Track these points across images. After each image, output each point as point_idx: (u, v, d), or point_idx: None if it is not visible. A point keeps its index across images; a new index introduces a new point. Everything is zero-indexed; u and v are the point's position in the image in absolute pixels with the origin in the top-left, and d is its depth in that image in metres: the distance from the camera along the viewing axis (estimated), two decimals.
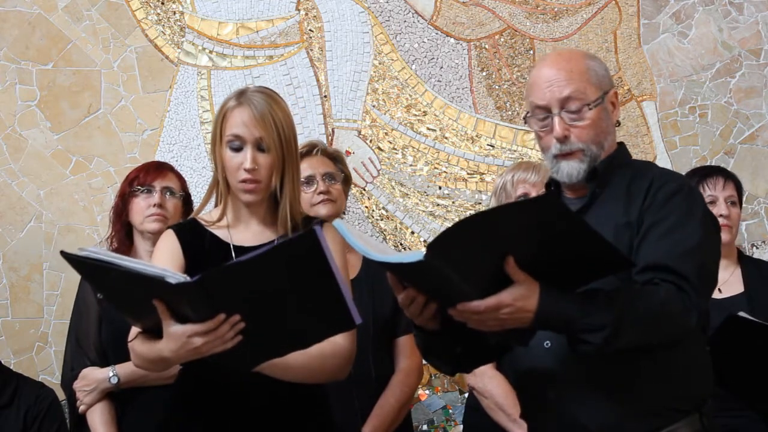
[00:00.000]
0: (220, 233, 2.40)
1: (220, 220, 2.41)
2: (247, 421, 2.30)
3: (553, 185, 2.29)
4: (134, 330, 2.24)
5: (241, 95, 2.38)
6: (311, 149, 3.14)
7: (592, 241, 1.92)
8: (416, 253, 1.88)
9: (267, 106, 2.35)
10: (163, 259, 2.33)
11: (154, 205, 3.02)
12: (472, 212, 3.99)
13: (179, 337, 2.07)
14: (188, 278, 2.01)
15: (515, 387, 2.31)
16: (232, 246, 2.36)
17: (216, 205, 2.44)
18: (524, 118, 2.28)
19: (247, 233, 2.39)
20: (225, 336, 2.06)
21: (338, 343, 2.26)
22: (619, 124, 2.26)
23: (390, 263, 1.95)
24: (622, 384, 2.07)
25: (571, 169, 2.20)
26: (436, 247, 1.85)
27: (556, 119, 2.19)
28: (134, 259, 2.16)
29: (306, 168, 3.08)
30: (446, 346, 2.18)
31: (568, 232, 1.90)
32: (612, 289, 2.01)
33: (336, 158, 3.19)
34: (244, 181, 2.34)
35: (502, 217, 1.89)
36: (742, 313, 2.71)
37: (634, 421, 2.07)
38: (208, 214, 2.44)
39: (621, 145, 2.29)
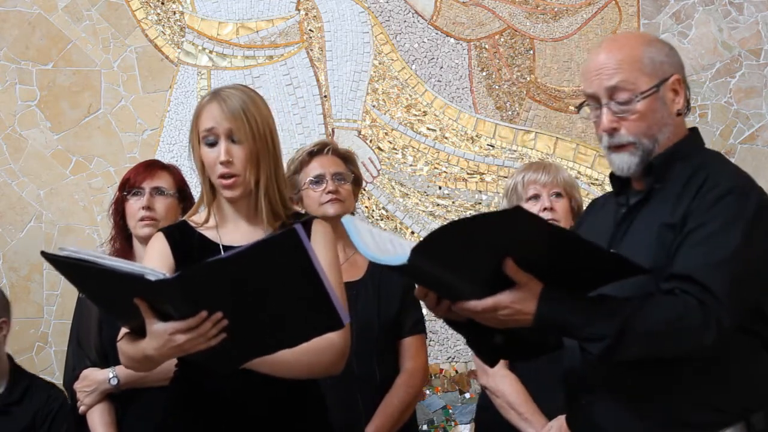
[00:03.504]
0: (210, 234, 2.40)
1: (206, 221, 2.41)
2: (242, 424, 2.29)
3: (616, 177, 2.16)
4: (123, 330, 2.24)
5: (213, 93, 2.40)
6: (322, 148, 3.14)
7: (583, 249, 1.88)
8: (401, 256, 1.85)
9: (238, 99, 2.35)
10: (153, 261, 2.34)
11: (143, 208, 3.01)
12: (472, 212, 3.99)
13: (161, 335, 2.06)
14: (168, 275, 2.00)
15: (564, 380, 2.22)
16: (221, 246, 2.36)
17: (206, 207, 2.44)
18: (578, 107, 2.17)
19: (236, 233, 2.38)
20: (208, 333, 2.05)
21: (331, 338, 2.24)
22: (680, 114, 2.10)
23: (381, 264, 1.92)
24: (658, 393, 1.99)
25: (621, 163, 2.09)
26: (418, 250, 1.82)
27: (604, 110, 2.08)
28: (115, 258, 2.15)
29: (316, 167, 3.08)
30: (480, 336, 2.10)
31: (551, 242, 1.87)
32: (620, 297, 1.94)
33: (347, 158, 3.18)
34: (222, 175, 2.34)
35: (478, 228, 1.86)
36: None
37: (664, 430, 2.00)
38: (197, 215, 2.45)
39: (691, 132, 2.16)
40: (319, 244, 2.29)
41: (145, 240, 2.99)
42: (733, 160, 4.01)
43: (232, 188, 2.35)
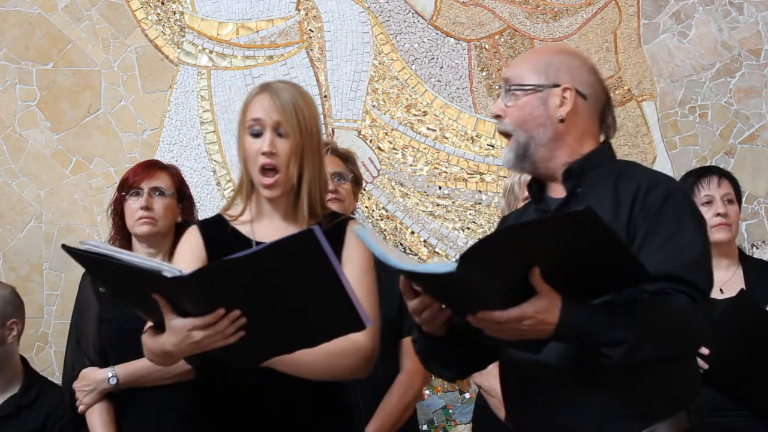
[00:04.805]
0: (244, 229, 2.38)
1: (242, 215, 2.39)
2: (264, 427, 2.28)
3: (535, 186, 2.23)
4: (147, 324, 2.24)
5: (264, 85, 2.39)
6: None
7: (619, 255, 1.89)
8: (446, 264, 1.85)
9: (288, 94, 2.34)
10: (186, 254, 2.34)
11: (141, 208, 3.01)
12: (473, 212, 4.00)
13: (180, 331, 2.07)
14: (184, 272, 2.00)
15: (501, 387, 2.25)
16: (254, 242, 2.34)
17: (243, 200, 2.42)
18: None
19: (270, 229, 2.36)
20: (225, 331, 2.05)
21: (357, 340, 2.23)
22: (563, 120, 2.14)
23: (418, 273, 1.92)
24: (611, 387, 2.02)
25: (504, 156, 2.20)
26: (469, 258, 1.81)
27: (500, 97, 2.20)
28: (133, 253, 2.17)
29: None
30: (450, 353, 2.14)
31: (599, 246, 1.86)
32: (629, 301, 1.97)
33: (347, 158, 3.17)
34: (263, 167, 2.31)
35: (537, 232, 1.86)
36: None
37: (621, 422, 2.02)
38: (233, 208, 2.43)
39: (604, 144, 2.23)
40: (353, 246, 2.29)
41: (144, 238, 3.00)
42: (732, 160, 4.03)
43: (272, 188, 2.33)
